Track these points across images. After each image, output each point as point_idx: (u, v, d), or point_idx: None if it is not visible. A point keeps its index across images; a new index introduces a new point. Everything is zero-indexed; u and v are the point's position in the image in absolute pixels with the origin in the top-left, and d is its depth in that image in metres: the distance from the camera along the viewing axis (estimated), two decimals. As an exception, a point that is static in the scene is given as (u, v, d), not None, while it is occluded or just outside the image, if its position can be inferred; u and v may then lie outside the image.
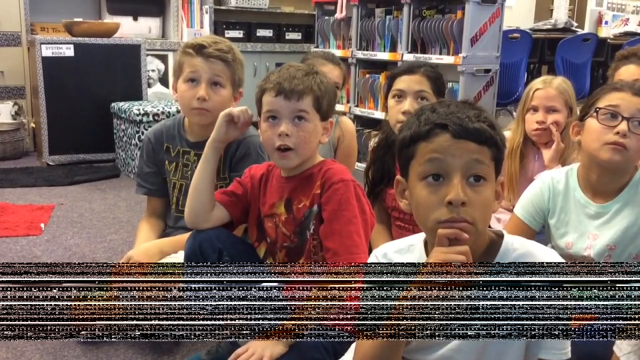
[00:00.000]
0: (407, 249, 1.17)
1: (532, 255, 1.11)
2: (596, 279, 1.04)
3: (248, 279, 1.67)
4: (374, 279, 1.21)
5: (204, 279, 1.43)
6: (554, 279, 1.04)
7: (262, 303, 1.67)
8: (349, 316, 1.31)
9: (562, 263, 1.10)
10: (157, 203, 2.11)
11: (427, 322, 1.09)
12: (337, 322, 1.51)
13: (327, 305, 1.50)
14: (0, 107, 4.36)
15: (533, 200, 1.68)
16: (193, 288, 1.66)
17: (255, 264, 1.64)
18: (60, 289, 1.26)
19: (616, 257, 1.58)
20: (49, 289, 1.26)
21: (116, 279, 1.90)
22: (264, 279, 1.70)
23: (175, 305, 1.61)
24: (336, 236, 1.51)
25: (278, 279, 1.62)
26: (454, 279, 1.04)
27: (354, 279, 1.29)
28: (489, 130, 1.06)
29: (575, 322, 1.48)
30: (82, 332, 1.85)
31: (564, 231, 1.65)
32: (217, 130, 1.65)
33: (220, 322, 1.52)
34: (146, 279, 1.75)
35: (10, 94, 4.50)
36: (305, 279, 1.57)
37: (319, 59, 2.48)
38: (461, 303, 1.07)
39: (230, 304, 1.67)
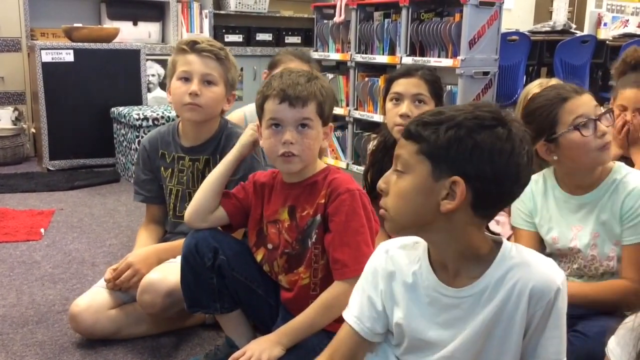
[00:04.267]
0: (412, 245, 1.19)
1: (526, 265, 1.10)
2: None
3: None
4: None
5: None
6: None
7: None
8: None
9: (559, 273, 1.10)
10: (155, 210, 2.12)
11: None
12: (334, 325, 1.52)
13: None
14: (0, 113, 4.37)
15: (518, 207, 1.72)
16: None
17: (250, 265, 1.66)
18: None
19: (601, 244, 1.61)
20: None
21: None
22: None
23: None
24: (345, 247, 1.51)
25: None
26: None
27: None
28: None
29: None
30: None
31: (549, 227, 1.68)
32: (245, 135, 1.67)
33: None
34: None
35: (11, 100, 4.51)
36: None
37: (288, 55, 2.46)
38: None
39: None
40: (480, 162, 1.04)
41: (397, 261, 1.19)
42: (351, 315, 1.23)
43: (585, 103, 1.58)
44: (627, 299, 1.52)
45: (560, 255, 1.69)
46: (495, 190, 1.06)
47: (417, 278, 1.16)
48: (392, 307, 1.19)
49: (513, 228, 1.77)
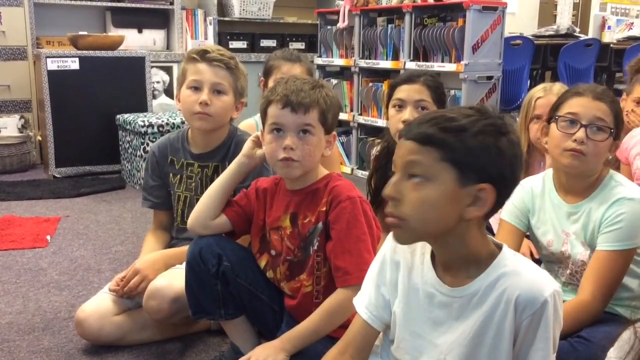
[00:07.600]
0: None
1: (517, 273, 1.09)
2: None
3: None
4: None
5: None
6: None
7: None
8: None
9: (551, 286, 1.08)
10: (162, 216, 2.12)
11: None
12: (339, 331, 1.53)
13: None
14: (7, 121, 4.40)
15: (516, 204, 1.73)
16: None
17: (254, 271, 1.67)
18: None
19: (591, 253, 1.59)
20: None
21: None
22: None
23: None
24: (346, 255, 1.52)
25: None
26: None
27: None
28: None
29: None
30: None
31: (544, 230, 1.69)
32: (245, 146, 1.68)
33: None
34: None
35: (17, 108, 4.54)
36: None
37: (279, 60, 2.43)
38: None
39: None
40: (502, 168, 1.08)
41: (403, 252, 1.22)
42: (361, 304, 1.28)
43: (588, 106, 1.56)
44: (581, 318, 1.50)
45: (556, 261, 1.69)
46: (510, 192, 1.11)
47: (418, 271, 1.19)
48: (394, 296, 1.22)
49: (501, 220, 1.76)
